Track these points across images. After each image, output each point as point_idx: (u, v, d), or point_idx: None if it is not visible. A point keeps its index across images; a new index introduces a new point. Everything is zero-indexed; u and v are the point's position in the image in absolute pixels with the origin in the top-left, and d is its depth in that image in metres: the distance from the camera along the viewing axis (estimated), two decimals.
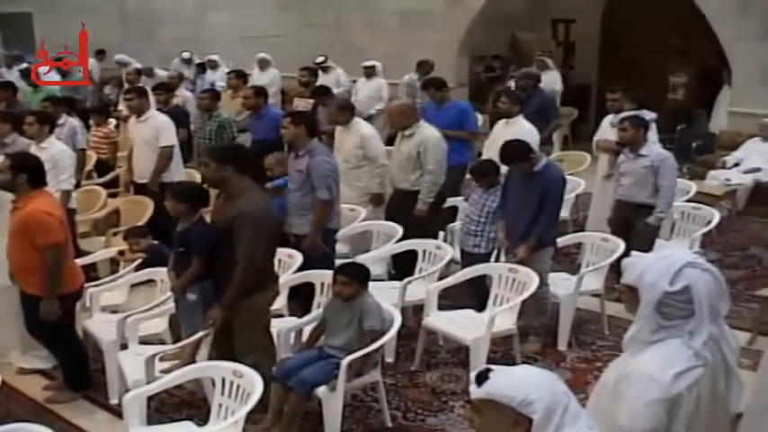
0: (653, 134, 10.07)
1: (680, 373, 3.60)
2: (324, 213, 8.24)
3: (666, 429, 3.64)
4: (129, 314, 7.22)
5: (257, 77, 16.10)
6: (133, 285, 8.19)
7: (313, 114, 9.86)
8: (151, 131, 10.47)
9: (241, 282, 6.39)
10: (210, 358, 6.58)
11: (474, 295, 8.32)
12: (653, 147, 9.21)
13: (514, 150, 8.05)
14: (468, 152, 11.21)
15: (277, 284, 6.92)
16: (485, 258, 8.47)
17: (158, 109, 11.69)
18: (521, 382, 3.14)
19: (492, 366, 3.23)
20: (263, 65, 17.57)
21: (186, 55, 19.41)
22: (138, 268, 8.22)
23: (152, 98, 12.53)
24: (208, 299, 6.59)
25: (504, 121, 10.50)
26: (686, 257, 3.74)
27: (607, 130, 10.52)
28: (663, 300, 3.64)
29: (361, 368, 6.50)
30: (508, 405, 3.10)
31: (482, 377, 3.17)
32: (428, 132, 9.45)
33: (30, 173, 6.81)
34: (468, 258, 8.52)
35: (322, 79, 15.28)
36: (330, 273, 7.26)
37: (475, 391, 3.18)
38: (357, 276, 6.60)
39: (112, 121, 13.29)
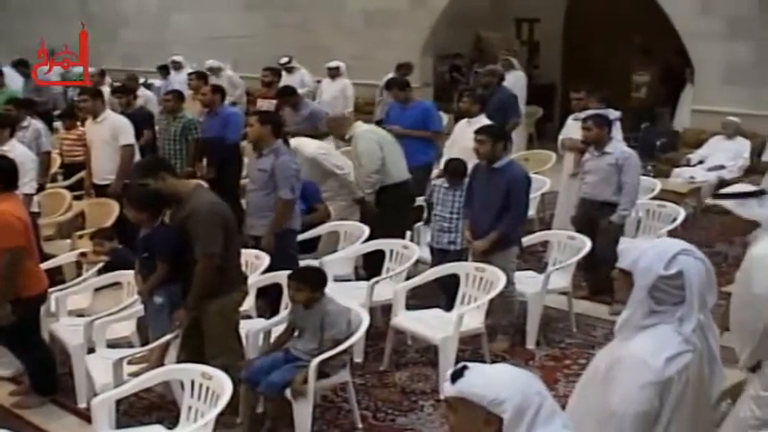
0: (617, 133, 10.14)
1: (671, 358, 3.69)
2: (285, 213, 8.24)
3: (657, 413, 3.71)
4: (97, 317, 7.16)
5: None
6: (98, 289, 8.12)
7: (279, 115, 9.83)
8: (109, 132, 10.40)
9: (202, 279, 6.35)
10: (179, 361, 6.54)
11: (445, 293, 8.33)
12: (617, 145, 9.29)
13: (492, 128, 8.34)
14: (433, 152, 11.22)
15: (246, 285, 6.90)
16: (461, 255, 8.48)
17: (122, 112, 11.61)
18: (493, 382, 3.14)
19: (469, 364, 3.22)
20: (215, 72, 17.28)
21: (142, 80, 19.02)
22: (101, 271, 8.17)
23: (114, 100, 12.51)
24: (175, 302, 6.56)
25: (465, 120, 10.56)
26: (681, 245, 3.86)
27: (572, 129, 10.56)
28: (656, 284, 3.75)
29: (327, 369, 6.49)
30: (479, 404, 3.10)
31: (457, 375, 3.17)
32: (358, 130, 9.61)
33: (1, 175, 6.77)
34: (442, 256, 8.54)
35: (286, 80, 15.22)
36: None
37: (448, 389, 3.18)
38: (308, 281, 6.55)
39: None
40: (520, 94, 15.34)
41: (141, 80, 18.24)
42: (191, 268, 6.37)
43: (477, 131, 8.23)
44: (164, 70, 18.59)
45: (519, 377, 3.19)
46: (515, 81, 15.58)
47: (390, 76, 15.47)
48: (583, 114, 9.96)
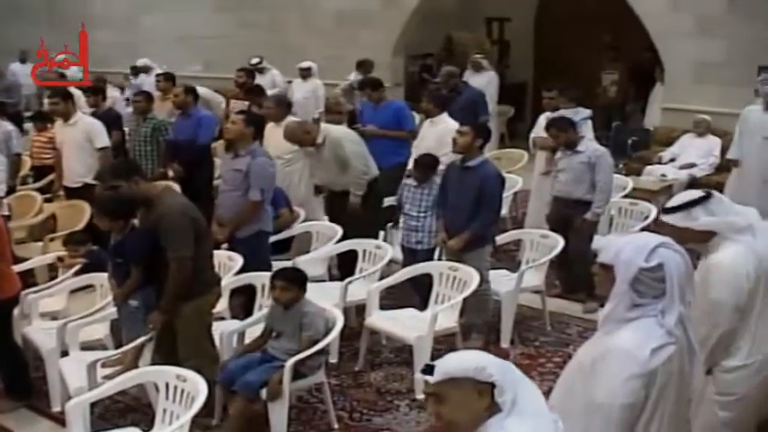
0: (588, 131, 10.19)
1: (656, 349, 3.77)
2: (251, 214, 8.23)
3: (643, 405, 3.74)
4: (70, 320, 7.13)
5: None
6: (72, 291, 8.08)
7: (263, 117, 9.77)
8: (81, 134, 10.31)
9: (175, 282, 6.35)
10: (154, 363, 6.52)
11: (418, 293, 8.33)
12: (589, 143, 9.31)
13: (477, 124, 8.62)
14: (407, 151, 11.20)
15: (219, 286, 6.89)
16: (429, 254, 8.48)
17: (92, 113, 11.54)
18: (467, 356, 3.31)
19: (431, 362, 3.31)
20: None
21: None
22: (77, 274, 8.12)
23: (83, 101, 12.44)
24: (150, 304, 6.54)
25: (429, 120, 10.59)
26: (659, 238, 3.96)
27: (543, 128, 10.58)
28: (638, 276, 3.82)
29: (303, 370, 6.48)
30: (466, 377, 3.18)
31: (429, 368, 3.26)
32: (335, 132, 9.47)
33: None
34: (411, 255, 8.54)
35: (258, 80, 15.17)
36: (269, 275, 7.25)
37: (431, 379, 3.24)
38: (295, 281, 6.57)
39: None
40: (493, 94, 15.47)
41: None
42: (164, 271, 6.36)
43: (463, 124, 8.33)
44: (133, 72, 18.40)
45: (483, 352, 3.36)
46: (488, 81, 15.67)
47: (353, 76, 15.53)
48: (555, 114, 10.02)
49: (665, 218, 5.11)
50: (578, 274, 8.92)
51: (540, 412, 3.27)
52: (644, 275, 3.81)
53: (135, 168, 6.71)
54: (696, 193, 5.11)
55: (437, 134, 9.76)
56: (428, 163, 8.58)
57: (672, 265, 3.83)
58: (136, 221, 6.79)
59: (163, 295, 6.40)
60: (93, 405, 5.90)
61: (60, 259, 8.50)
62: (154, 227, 6.39)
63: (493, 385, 3.19)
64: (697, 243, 5.01)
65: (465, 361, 3.23)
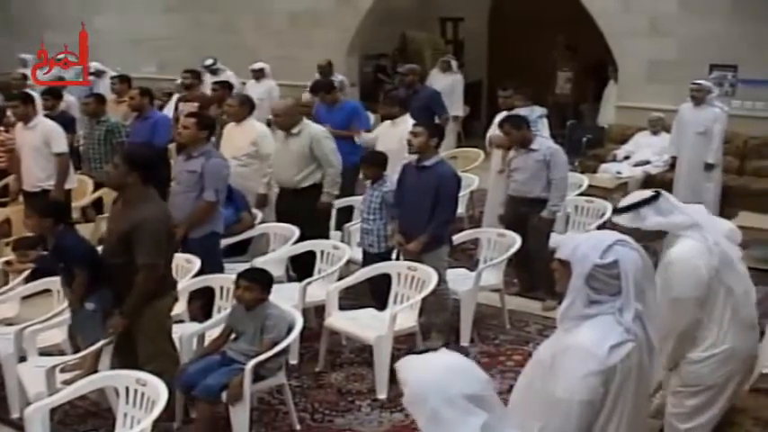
0: (544, 129, 10.25)
1: (614, 346, 3.79)
2: (205, 214, 8.18)
3: (602, 401, 3.77)
4: (27, 325, 7.04)
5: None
6: (28, 296, 7.96)
7: (213, 118, 9.73)
8: (40, 138, 10.21)
9: (143, 289, 6.30)
10: (113, 367, 6.47)
11: (374, 298, 8.35)
12: (542, 141, 9.36)
13: (430, 123, 8.76)
14: (362, 152, 11.21)
15: (176, 290, 6.82)
16: (380, 258, 8.47)
17: (46, 115, 11.44)
18: (421, 377, 3.39)
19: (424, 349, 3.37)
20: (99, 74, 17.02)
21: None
22: (28, 279, 8.04)
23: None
24: (106, 307, 6.50)
25: (389, 122, 10.58)
26: (616, 236, 3.96)
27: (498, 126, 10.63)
28: (593, 272, 3.82)
29: (263, 372, 6.48)
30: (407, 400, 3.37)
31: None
32: (315, 128, 9.50)
33: None
34: (366, 258, 8.58)
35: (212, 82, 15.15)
36: (229, 277, 7.22)
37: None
38: (259, 281, 6.56)
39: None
40: (459, 96, 15.63)
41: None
42: (122, 273, 6.31)
43: (416, 125, 8.34)
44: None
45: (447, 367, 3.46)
46: (453, 83, 15.84)
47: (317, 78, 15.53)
48: (512, 113, 10.10)
49: (616, 218, 5.30)
50: (537, 272, 8.95)
51: None
52: (599, 272, 3.81)
53: (146, 164, 6.48)
54: (645, 194, 5.26)
55: (399, 135, 9.74)
56: (377, 161, 8.63)
57: (627, 263, 3.83)
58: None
59: (126, 299, 6.34)
60: (52, 411, 5.86)
61: (9, 263, 8.40)
62: (130, 226, 6.29)
63: None
64: (650, 241, 5.10)
65: (416, 384, 3.35)
